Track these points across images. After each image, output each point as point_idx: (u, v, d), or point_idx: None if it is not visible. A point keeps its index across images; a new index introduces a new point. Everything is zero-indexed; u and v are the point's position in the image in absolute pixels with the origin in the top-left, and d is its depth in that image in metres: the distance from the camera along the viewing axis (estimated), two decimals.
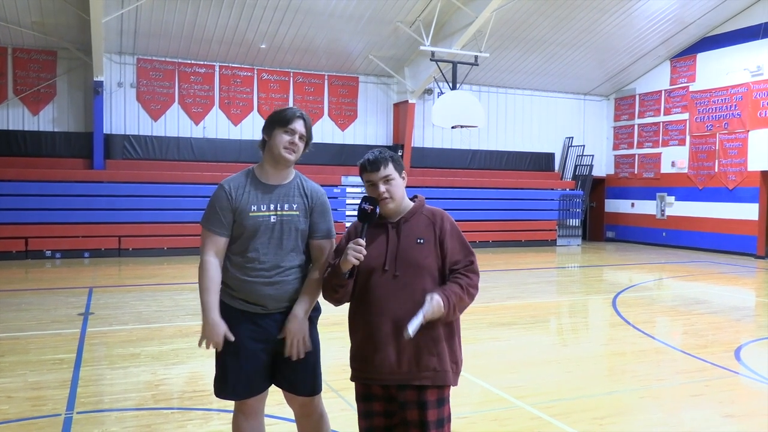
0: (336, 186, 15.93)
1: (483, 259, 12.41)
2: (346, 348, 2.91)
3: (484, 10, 13.75)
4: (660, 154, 18.75)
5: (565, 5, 15.02)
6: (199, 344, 2.93)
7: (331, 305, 2.94)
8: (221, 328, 2.88)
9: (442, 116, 14.91)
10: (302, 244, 3.03)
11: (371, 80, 17.66)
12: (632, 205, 19.74)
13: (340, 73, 17.20)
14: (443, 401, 2.75)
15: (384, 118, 17.89)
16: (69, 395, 4.86)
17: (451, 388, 2.80)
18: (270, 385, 3.06)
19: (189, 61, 15.67)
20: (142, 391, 5.05)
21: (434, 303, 2.60)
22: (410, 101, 17.02)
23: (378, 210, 2.75)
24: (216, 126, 16.10)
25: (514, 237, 17.89)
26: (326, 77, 17.13)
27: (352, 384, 2.87)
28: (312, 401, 3.07)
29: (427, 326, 2.62)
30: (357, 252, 2.64)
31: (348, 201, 15.96)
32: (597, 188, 20.50)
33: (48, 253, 13.70)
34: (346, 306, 2.90)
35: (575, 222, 19.04)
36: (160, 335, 6.98)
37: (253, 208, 2.94)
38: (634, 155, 19.73)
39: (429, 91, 17.74)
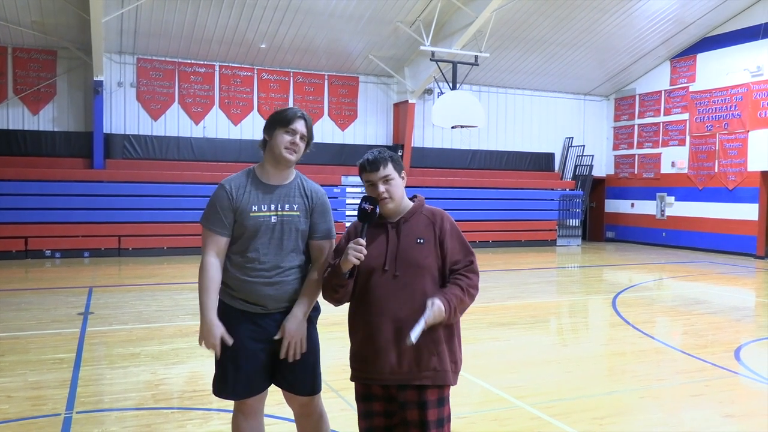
0: (336, 186, 15.94)
1: (483, 259, 12.42)
2: (346, 348, 2.91)
3: (484, 10, 13.75)
4: (660, 154, 18.75)
5: (565, 5, 15.02)
6: (200, 343, 2.94)
7: (331, 305, 2.94)
8: (218, 329, 2.88)
9: (442, 116, 14.91)
10: (302, 245, 3.03)
11: (371, 80, 17.66)
12: (632, 205, 19.74)
13: (340, 73, 17.20)
14: (443, 401, 2.75)
15: (384, 118, 17.89)
16: (69, 395, 4.86)
17: (451, 387, 2.80)
18: (270, 385, 3.06)
19: (189, 61, 15.67)
20: (141, 390, 5.05)
21: (435, 308, 2.60)
22: (410, 101, 17.02)
23: (378, 210, 2.75)
24: (216, 126, 16.10)
25: (514, 237, 17.90)
26: (326, 77, 17.13)
27: (352, 384, 2.87)
28: (312, 401, 3.07)
29: (427, 327, 2.63)
30: (357, 252, 2.64)
31: (348, 201, 15.96)
32: (597, 188, 20.51)
33: (48, 252, 13.70)
34: (346, 306, 2.89)
35: (575, 222, 19.05)
36: (160, 335, 6.98)
37: (254, 208, 2.94)
38: (634, 155, 19.73)
39: (429, 91, 17.74)
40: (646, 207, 19.22)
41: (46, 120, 14.76)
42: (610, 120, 20.66)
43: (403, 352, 2.67)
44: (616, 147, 20.41)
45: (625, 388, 5.38)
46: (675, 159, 18.20)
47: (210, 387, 3.12)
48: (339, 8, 14.22)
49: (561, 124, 20.03)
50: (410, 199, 2.90)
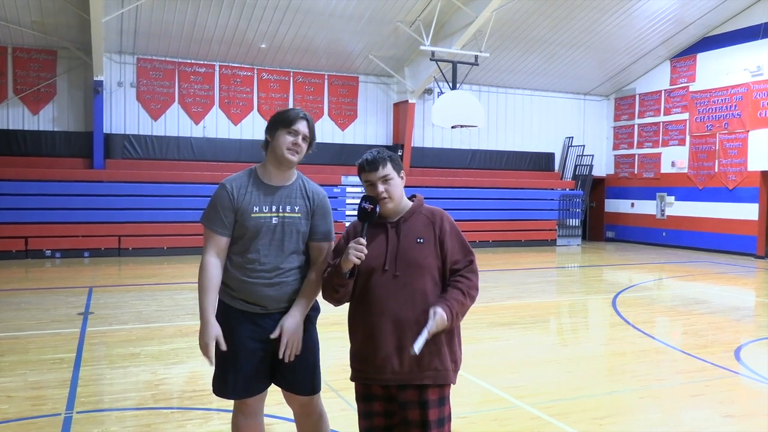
0: (336, 186, 15.93)
1: (483, 259, 12.43)
2: (346, 348, 2.91)
3: (484, 10, 13.75)
4: (660, 154, 18.75)
5: (565, 5, 15.02)
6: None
7: (331, 305, 2.94)
8: (214, 329, 2.87)
9: (442, 116, 14.91)
10: (303, 246, 3.03)
11: (371, 80, 17.66)
12: (632, 205, 19.74)
13: (340, 72, 17.20)
14: (444, 400, 2.75)
15: (384, 117, 17.89)
16: (69, 395, 4.86)
17: (451, 386, 2.80)
18: (269, 384, 3.06)
19: (189, 61, 15.67)
20: (141, 390, 5.05)
21: (438, 318, 2.60)
22: (410, 101, 17.02)
23: (378, 209, 2.75)
24: (216, 126, 16.10)
25: (514, 237, 17.89)
26: (326, 77, 17.13)
27: (352, 384, 2.87)
28: (311, 401, 3.07)
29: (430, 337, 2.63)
30: (358, 251, 2.64)
31: (348, 201, 15.96)
32: (597, 188, 20.50)
33: (48, 252, 13.70)
34: (346, 306, 2.89)
35: (575, 222, 19.05)
36: (159, 335, 6.98)
37: (255, 209, 2.93)
38: (634, 155, 19.73)
39: (429, 91, 17.74)
40: (646, 207, 19.21)
41: (46, 120, 14.76)
42: (610, 120, 20.66)
43: (403, 352, 2.67)
44: (616, 147, 20.41)
45: (625, 388, 5.38)
46: (675, 159, 18.20)
47: (210, 387, 3.12)
48: (339, 8, 14.22)
49: (561, 124, 20.03)
50: (409, 198, 2.90)
